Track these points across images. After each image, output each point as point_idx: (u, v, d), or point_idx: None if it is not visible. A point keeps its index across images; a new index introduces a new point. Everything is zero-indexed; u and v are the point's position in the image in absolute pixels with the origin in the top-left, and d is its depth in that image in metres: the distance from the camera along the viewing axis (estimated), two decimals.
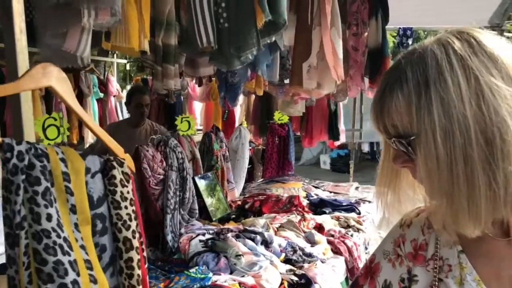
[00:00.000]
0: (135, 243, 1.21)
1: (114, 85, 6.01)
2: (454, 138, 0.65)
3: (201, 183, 2.89)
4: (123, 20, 1.32)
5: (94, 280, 1.10)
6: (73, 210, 1.10)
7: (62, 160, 1.09)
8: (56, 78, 1.06)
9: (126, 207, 1.22)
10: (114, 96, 6.02)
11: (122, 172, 1.24)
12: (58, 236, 1.03)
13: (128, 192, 1.23)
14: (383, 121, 0.73)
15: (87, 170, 1.15)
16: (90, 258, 1.13)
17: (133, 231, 1.21)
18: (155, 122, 3.94)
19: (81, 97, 5.38)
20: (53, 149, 1.09)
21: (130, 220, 1.21)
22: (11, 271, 1.02)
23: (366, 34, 3.03)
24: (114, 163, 1.22)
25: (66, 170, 1.09)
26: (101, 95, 5.85)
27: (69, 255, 1.04)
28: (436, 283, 0.79)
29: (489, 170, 0.64)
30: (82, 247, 1.12)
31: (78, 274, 1.05)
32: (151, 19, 1.52)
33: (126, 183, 1.24)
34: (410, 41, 5.27)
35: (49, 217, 1.02)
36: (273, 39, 1.08)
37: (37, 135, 2.07)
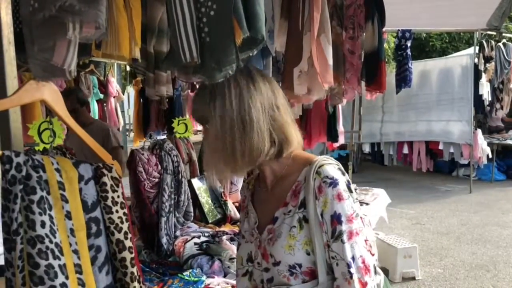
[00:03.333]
0: (128, 243, 1.29)
1: (114, 86, 6.02)
2: (225, 121, 1.12)
3: (198, 185, 2.90)
4: (114, 28, 1.34)
5: (82, 284, 1.17)
6: (68, 216, 1.18)
7: (57, 170, 1.17)
8: (48, 91, 1.13)
9: (117, 211, 1.29)
10: (114, 97, 6.03)
11: (112, 177, 1.29)
12: (50, 241, 1.09)
13: (118, 196, 1.30)
14: (196, 114, 1.21)
15: (81, 177, 1.23)
16: (82, 262, 1.18)
17: (125, 233, 1.29)
18: (153, 124, 3.92)
19: None
20: (49, 159, 1.16)
21: (122, 222, 1.29)
22: (8, 274, 1.09)
23: (362, 37, 3.03)
24: (104, 170, 1.28)
25: (61, 179, 1.17)
26: (101, 96, 5.86)
27: (59, 259, 1.10)
28: (244, 221, 1.33)
29: (243, 138, 1.12)
30: (75, 251, 1.18)
31: (67, 277, 1.11)
32: (142, 25, 1.53)
33: (116, 188, 1.30)
34: (408, 43, 5.24)
35: (43, 224, 1.08)
36: (255, 52, 1.13)
37: (32, 139, 2.09)
